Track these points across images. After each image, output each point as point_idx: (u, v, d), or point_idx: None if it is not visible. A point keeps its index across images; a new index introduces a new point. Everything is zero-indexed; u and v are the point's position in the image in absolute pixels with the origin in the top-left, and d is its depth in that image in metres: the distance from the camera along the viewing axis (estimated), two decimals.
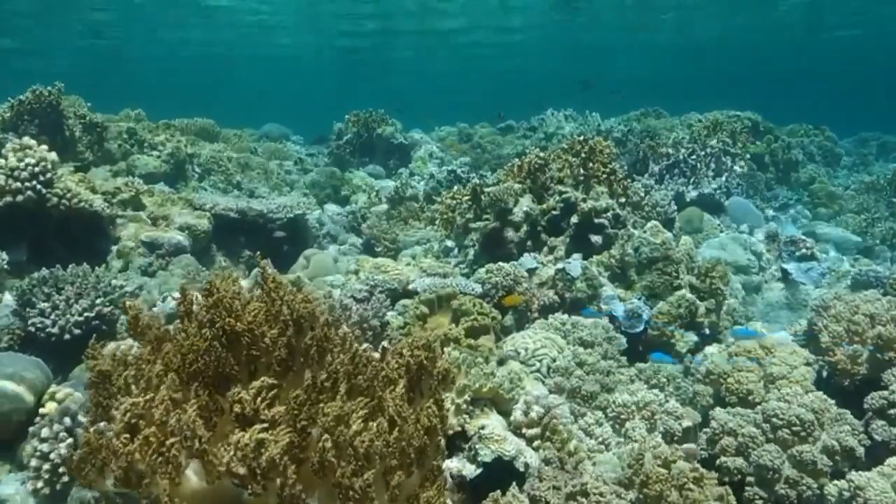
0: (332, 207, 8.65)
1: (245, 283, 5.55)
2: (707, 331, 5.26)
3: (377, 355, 2.54)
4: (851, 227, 9.92)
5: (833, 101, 35.44)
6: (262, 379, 2.09)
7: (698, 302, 5.25)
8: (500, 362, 4.62)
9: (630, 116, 12.71)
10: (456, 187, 7.02)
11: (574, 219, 6.05)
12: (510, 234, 6.12)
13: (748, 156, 9.86)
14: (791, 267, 6.23)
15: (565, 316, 5.10)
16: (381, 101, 14.75)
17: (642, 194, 6.82)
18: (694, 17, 27.17)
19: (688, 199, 8.53)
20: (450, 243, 6.74)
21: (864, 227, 9.76)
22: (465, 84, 43.69)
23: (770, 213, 9.44)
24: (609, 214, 6.11)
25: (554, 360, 4.59)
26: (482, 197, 6.29)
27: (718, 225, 8.31)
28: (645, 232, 5.56)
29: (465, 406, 3.42)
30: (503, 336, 4.97)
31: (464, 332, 4.63)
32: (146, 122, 8.82)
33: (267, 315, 2.28)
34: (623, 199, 6.63)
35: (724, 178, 8.75)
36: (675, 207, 6.96)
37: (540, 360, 4.59)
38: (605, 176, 6.52)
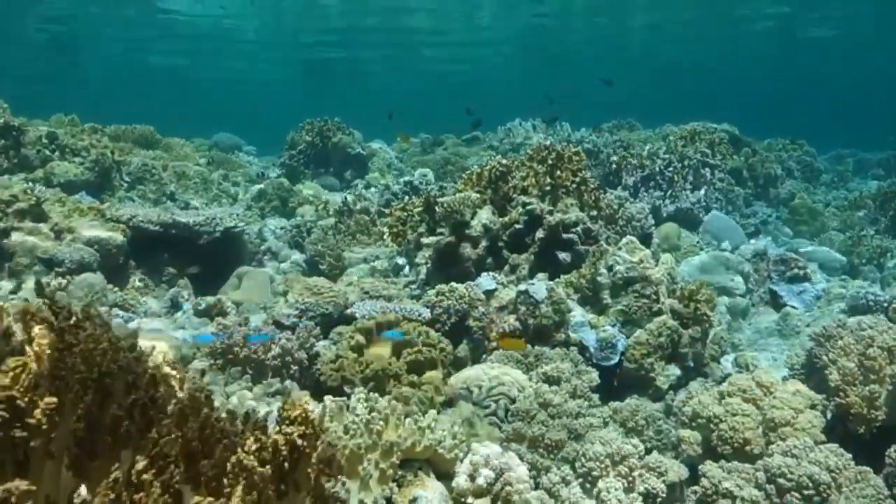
0: (275, 221, 7.85)
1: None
2: (691, 363, 4.55)
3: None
4: (836, 245, 9.33)
5: (807, 117, 35.34)
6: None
7: (681, 329, 4.53)
8: (449, 403, 3.87)
9: (602, 128, 12.09)
10: (407, 198, 6.26)
11: (539, 233, 5.33)
12: (467, 250, 5.38)
13: (729, 168, 9.25)
14: (781, 289, 5.57)
15: (528, 346, 4.37)
16: (349, 112, 14.03)
17: (616, 207, 6.13)
18: (664, 33, 26.91)
19: (664, 214, 7.88)
20: (400, 260, 5.99)
21: (849, 245, 9.17)
22: (432, 96, 43.14)
23: (751, 229, 8.80)
24: (579, 229, 5.40)
25: (513, 401, 3.84)
26: (436, 208, 5.55)
27: (698, 242, 7.65)
28: (620, 249, 4.84)
29: (391, 471, 2.65)
30: (454, 370, 4.22)
31: (406, 367, 3.87)
32: (70, 127, 7.97)
33: (52, 371, 1.48)
34: (595, 212, 5.93)
35: (703, 192, 8.11)
36: (653, 222, 6.28)
37: (496, 401, 3.84)
38: (574, 186, 5.82)
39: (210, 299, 4.84)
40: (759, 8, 23.83)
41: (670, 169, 8.18)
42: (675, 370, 4.45)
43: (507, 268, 5.27)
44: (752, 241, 9.33)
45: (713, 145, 8.97)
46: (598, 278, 4.75)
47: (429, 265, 5.56)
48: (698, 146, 8.48)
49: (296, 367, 3.95)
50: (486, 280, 4.85)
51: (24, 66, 30.93)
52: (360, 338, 4.01)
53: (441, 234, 5.58)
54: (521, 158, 6.02)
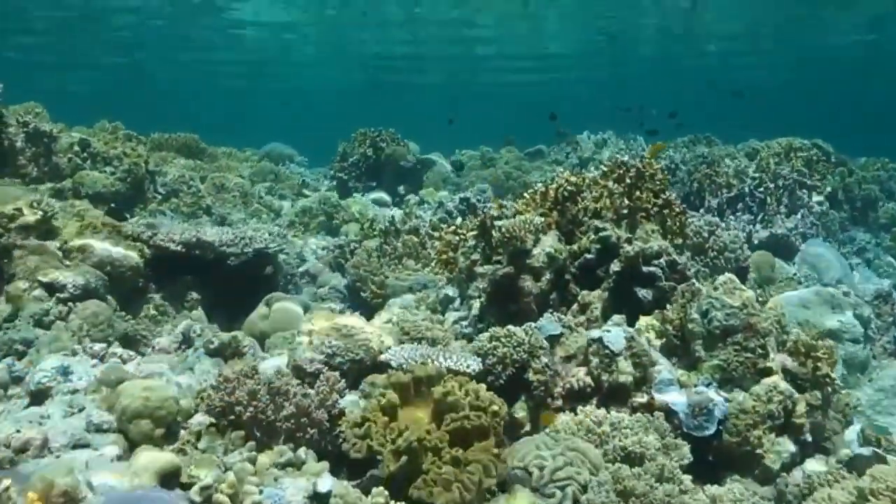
0: (317, 240, 7.17)
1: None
2: (809, 436, 3.63)
3: None
4: None
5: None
6: None
7: (796, 394, 3.62)
8: (502, 487, 3.06)
9: (677, 143, 11.10)
10: (459, 219, 5.47)
11: (615, 265, 4.47)
12: (528, 283, 4.56)
13: (829, 189, 8.20)
14: None
15: (602, 411, 3.53)
16: (408, 123, 13.41)
17: (706, 234, 5.23)
18: (738, 47, 25.61)
19: (755, 241, 6.91)
20: (451, 291, 5.21)
21: None
22: (497, 109, 42.45)
23: (855, 260, 7.73)
24: (662, 260, 4.53)
25: (584, 488, 3.01)
26: (493, 232, 4.75)
27: (794, 275, 6.65)
28: (716, 289, 3.95)
29: None
30: (509, 440, 3.41)
31: (448, 437, 3.08)
32: (105, 134, 7.46)
33: None
34: (680, 241, 5.04)
35: (799, 216, 7.11)
36: (749, 253, 5.34)
37: (562, 487, 3.00)
38: (656, 209, 4.95)
39: (224, 336, 4.14)
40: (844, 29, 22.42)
41: (761, 189, 7.20)
42: (788, 445, 3.54)
43: (575, 307, 4.43)
44: (855, 272, 8.26)
45: (810, 163, 7.93)
46: (690, 325, 3.87)
47: (483, 299, 4.75)
48: (794, 164, 7.47)
49: (314, 430, 3.20)
50: (549, 323, 4.01)
51: (94, 87, 31.48)
52: (393, 396, 3.23)
53: (498, 262, 4.77)
54: (593, 176, 5.17)
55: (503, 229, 4.56)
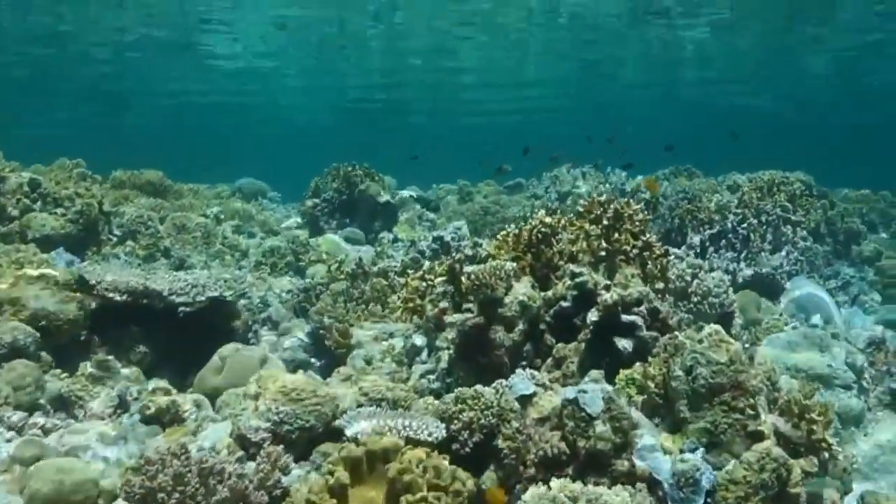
0: (282, 282, 6.81)
1: None
2: None
3: None
4: None
5: (875, 164, 33.50)
6: None
7: (790, 461, 3.30)
8: None
9: (658, 176, 10.89)
10: (427, 263, 5.14)
11: (593, 315, 4.16)
12: (499, 334, 4.23)
13: (813, 225, 7.97)
14: None
15: (577, 485, 3.18)
16: (388, 157, 13.15)
17: (689, 278, 4.93)
18: (719, 74, 25.71)
19: (740, 280, 6.63)
20: (419, 339, 4.85)
21: None
22: (477, 140, 42.43)
23: (842, 297, 7.48)
24: (643, 308, 4.21)
25: None
26: (462, 279, 4.43)
27: (781, 315, 6.37)
28: (701, 342, 3.64)
29: None
30: None
31: None
32: (59, 173, 7.10)
33: None
34: (662, 285, 4.74)
35: (784, 253, 6.85)
36: (734, 297, 5.05)
37: None
38: (636, 252, 4.65)
39: (162, 401, 3.75)
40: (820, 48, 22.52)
41: (744, 226, 6.95)
42: None
43: (550, 361, 4.10)
44: (841, 309, 8.00)
45: (794, 198, 7.70)
46: (673, 383, 3.55)
47: (451, 351, 4.41)
48: (777, 199, 7.23)
49: None
50: (521, 381, 3.68)
51: (70, 116, 31.13)
52: (343, 474, 2.87)
53: (468, 311, 4.44)
54: (569, 217, 4.88)
55: (472, 276, 4.24)
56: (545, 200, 9.76)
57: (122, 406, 3.98)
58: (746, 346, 5.26)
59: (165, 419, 3.68)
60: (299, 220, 10.06)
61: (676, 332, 3.74)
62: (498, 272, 4.24)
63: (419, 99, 30.12)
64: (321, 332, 5.57)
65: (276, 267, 7.73)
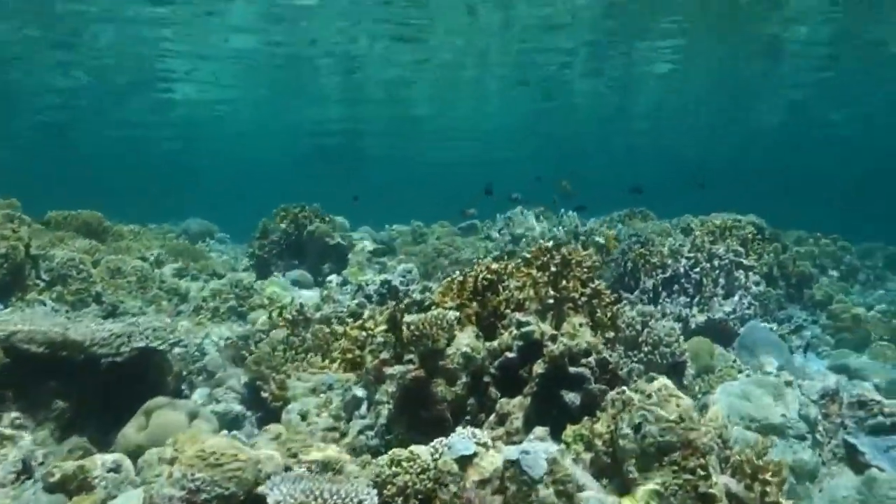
0: (221, 330, 6.50)
1: None
2: None
3: None
4: (892, 360, 7.93)
5: (826, 207, 34.40)
6: None
7: None
8: None
9: (613, 218, 10.85)
10: (368, 311, 4.90)
11: (539, 367, 3.97)
12: (441, 388, 4.01)
13: (765, 269, 7.93)
14: (862, 443, 4.16)
15: None
16: (343, 196, 12.94)
17: (639, 327, 4.78)
18: (672, 118, 26.21)
19: (693, 326, 6.52)
20: (359, 393, 4.60)
21: None
22: (435, 182, 42.55)
23: (796, 342, 7.42)
24: (592, 359, 4.04)
25: None
26: (403, 328, 4.21)
27: (734, 362, 6.26)
28: (650, 397, 3.46)
29: None
30: None
31: None
32: None
33: None
34: (612, 333, 4.58)
35: (737, 298, 6.77)
36: (685, 347, 4.90)
37: None
38: (584, 299, 4.49)
39: (68, 466, 3.42)
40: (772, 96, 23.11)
41: (697, 270, 6.86)
42: None
43: (493, 417, 3.88)
44: (798, 356, 7.94)
45: (746, 242, 7.67)
46: (621, 442, 3.35)
47: (391, 405, 4.17)
48: (730, 243, 7.18)
49: None
50: (461, 441, 3.44)
51: (18, 155, 30.45)
52: None
53: (411, 362, 4.21)
54: (516, 262, 4.71)
55: (412, 326, 4.02)
56: (499, 242, 9.62)
57: (26, 471, 3.64)
58: (699, 396, 5.11)
59: (72, 487, 3.36)
60: (247, 261, 9.75)
61: (624, 388, 3.55)
62: (440, 322, 4.03)
63: (375, 139, 30.07)
64: (258, 383, 5.28)
65: (218, 312, 7.41)
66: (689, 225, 8.97)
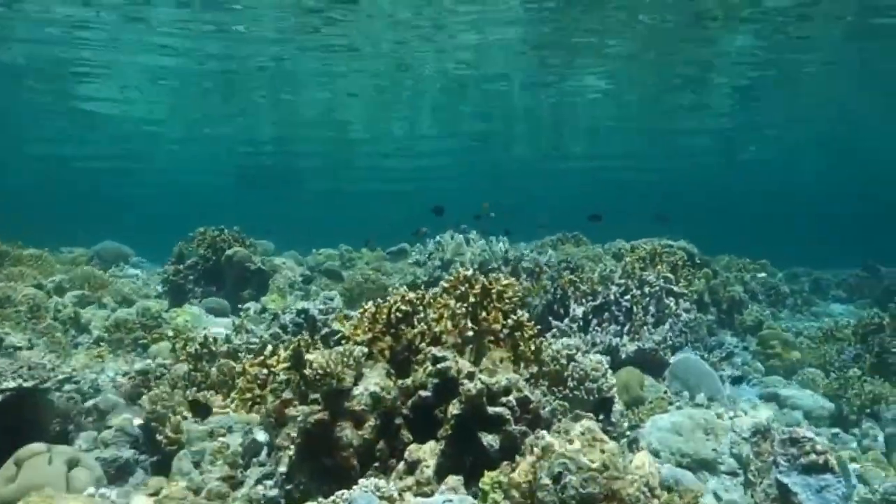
0: (117, 365, 5.97)
1: None
2: None
3: None
4: (821, 387, 7.87)
5: (752, 233, 35.23)
6: None
7: None
8: None
9: (545, 242, 10.67)
10: (270, 347, 4.47)
11: (454, 407, 3.63)
12: (346, 432, 3.63)
13: (696, 296, 7.81)
14: (794, 482, 3.94)
15: None
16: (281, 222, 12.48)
17: (564, 361, 4.49)
18: (606, 142, 26.47)
19: (623, 356, 6.29)
20: (261, 436, 4.18)
21: (835, 388, 7.70)
22: (371, 205, 42.14)
23: (727, 370, 7.28)
24: (512, 398, 3.73)
25: None
26: (306, 366, 3.82)
27: (665, 393, 6.06)
28: (571, 442, 3.16)
29: None
30: None
31: None
32: None
33: None
34: (535, 368, 4.28)
35: (668, 326, 6.59)
36: (613, 382, 4.64)
37: None
38: (506, 332, 4.19)
39: None
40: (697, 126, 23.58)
41: (627, 298, 6.66)
42: None
43: (402, 465, 3.52)
44: (727, 383, 7.81)
45: (676, 268, 7.53)
46: (540, 494, 3.03)
47: (292, 451, 3.76)
48: (660, 270, 7.01)
49: None
50: (363, 496, 3.08)
51: None
52: None
53: (315, 402, 3.82)
54: (434, 293, 4.38)
55: (315, 364, 3.64)
56: (428, 268, 9.29)
57: None
58: (627, 433, 4.85)
59: None
60: (160, 288, 9.18)
61: (544, 432, 3.24)
62: (345, 358, 3.67)
63: (309, 161, 29.53)
64: (153, 424, 4.80)
65: (122, 344, 6.86)
66: (621, 250, 8.82)
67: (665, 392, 6.10)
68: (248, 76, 17.54)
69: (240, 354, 5.38)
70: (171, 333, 6.43)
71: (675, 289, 6.92)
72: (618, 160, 29.15)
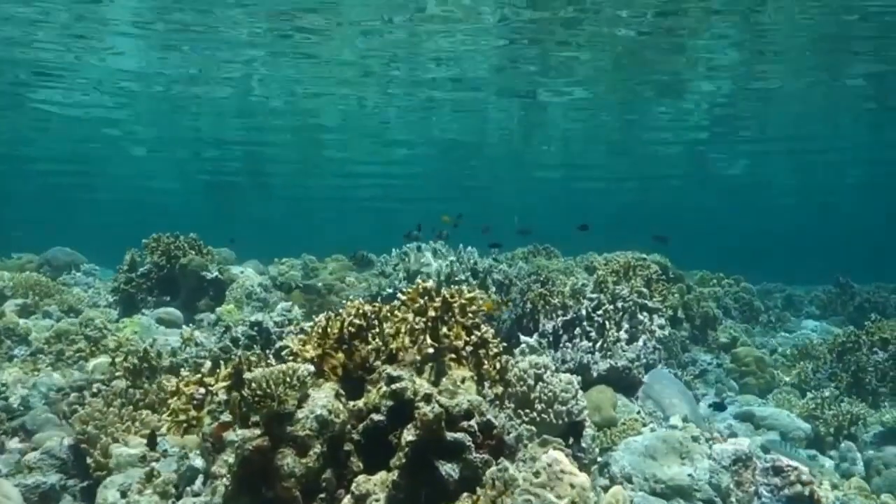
0: (51, 380, 5.51)
1: None
2: None
3: None
4: (797, 409, 7.63)
5: (723, 248, 35.33)
6: None
7: None
8: None
9: (516, 254, 10.36)
10: (209, 363, 4.08)
11: (409, 433, 3.27)
12: (288, 460, 3.25)
13: (670, 312, 7.54)
14: None
15: None
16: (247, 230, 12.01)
17: (531, 381, 4.16)
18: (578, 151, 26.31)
19: (594, 374, 5.98)
20: (198, 463, 3.78)
21: (812, 409, 7.47)
22: (342, 214, 41.64)
23: (701, 390, 7.00)
24: (474, 422, 3.38)
25: None
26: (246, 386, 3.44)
27: (639, 413, 5.75)
28: (537, 475, 2.82)
29: None
30: None
31: None
32: None
33: None
34: (500, 389, 3.94)
35: (641, 343, 6.29)
36: (584, 404, 4.31)
37: None
38: (469, 350, 3.85)
39: None
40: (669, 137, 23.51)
41: (599, 313, 6.36)
42: None
43: (349, 499, 3.15)
44: (700, 403, 7.55)
45: (650, 282, 7.25)
46: None
47: (228, 481, 3.38)
48: (634, 283, 6.73)
49: None
50: None
51: None
52: None
53: (257, 425, 3.44)
54: (392, 306, 4.03)
55: (253, 384, 3.27)
56: (392, 279, 8.92)
57: None
58: (598, 459, 4.52)
59: None
60: (110, 297, 8.71)
61: (506, 464, 2.90)
62: (289, 378, 3.30)
63: (276, 167, 28.97)
64: (83, 446, 4.37)
65: (63, 356, 6.41)
66: (593, 263, 8.54)
67: (638, 412, 5.79)
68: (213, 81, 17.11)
69: (183, 370, 4.96)
70: (111, 346, 6.00)
71: (650, 304, 6.63)
72: (589, 170, 29.03)
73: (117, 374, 4.98)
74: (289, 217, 43.37)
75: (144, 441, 4.02)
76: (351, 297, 7.46)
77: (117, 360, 5.34)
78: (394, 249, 9.56)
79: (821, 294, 14.05)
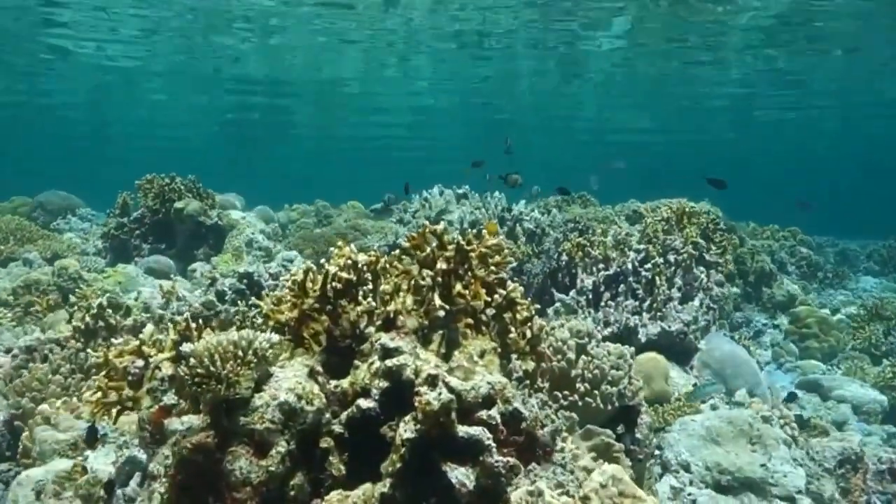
0: (10, 335, 4.72)
1: None
2: None
3: None
4: (870, 377, 6.65)
5: (766, 198, 33.75)
6: None
7: None
8: None
9: (548, 203, 9.36)
10: (150, 327, 3.20)
11: (406, 429, 2.39)
12: (241, 462, 2.38)
13: (731, 267, 6.54)
14: None
15: None
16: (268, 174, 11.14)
17: (572, 354, 3.22)
18: (616, 101, 24.97)
19: (643, 339, 5.04)
20: (140, 455, 2.94)
21: (888, 378, 6.49)
22: (360, 161, 40.61)
23: (765, 355, 6.05)
24: (496, 412, 2.50)
25: None
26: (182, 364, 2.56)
27: (695, 385, 4.82)
28: (587, 500, 1.91)
29: None
30: None
31: None
32: None
33: None
34: (530, 366, 3.02)
35: (697, 303, 5.33)
36: (640, 384, 3.38)
37: None
38: (491, 313, 2.93)
39: None
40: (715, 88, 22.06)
41: (648, 266, 5.39)
42: None
43: None
44: (762, 371, 6.59)
45: (707, 233, 6.23)
46: None
47: (166, 485, 2.53)
48: (689, 233, 5.73)
49: None
50: None
51: None
52: None
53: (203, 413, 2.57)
54: (391, 255, 3.11)
55: (192, 360, 2.38)
56: (412, 227, 8.01)
57: None
58: (656, 451, 3.61)
59: None
60: (100, 244, 7.91)
61: (540, 483, 2.00)
62: (241, 351, 2.40)
63: (300, 109, 27.95)
64: (16, 423, 3.57)
65: (30, 310, 5.63)
66: (638, 211, 7.53)
67: (695, 384, 4.87)
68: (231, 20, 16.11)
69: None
70: (73, 299, 5.19)
71: (707, 257, 5.64)
72: (627, 123, 27.68)
73: (67, 334, 4.15)
74: (316, 161, 42.65)
75: (79, 423, 3.19)
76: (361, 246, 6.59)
77: (78, 315, 4.52)
78: (415, 196, 8.63)
79: (881, 248, 12.89)
